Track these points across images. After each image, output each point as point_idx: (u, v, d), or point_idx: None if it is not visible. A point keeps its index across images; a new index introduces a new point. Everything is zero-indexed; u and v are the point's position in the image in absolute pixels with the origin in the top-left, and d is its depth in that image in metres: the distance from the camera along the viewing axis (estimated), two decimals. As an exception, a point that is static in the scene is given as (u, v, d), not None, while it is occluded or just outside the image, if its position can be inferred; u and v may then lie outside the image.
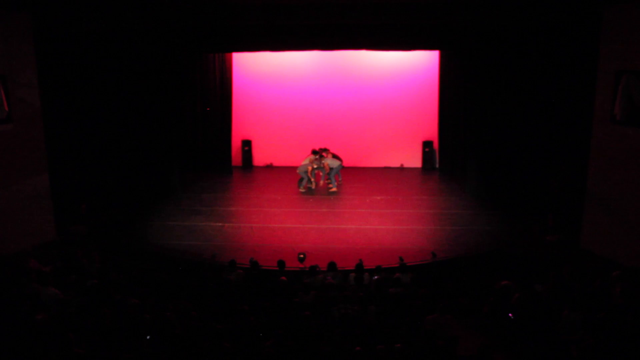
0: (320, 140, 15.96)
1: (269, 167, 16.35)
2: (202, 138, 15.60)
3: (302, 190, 13.89)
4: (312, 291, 7.70)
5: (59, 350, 5.56)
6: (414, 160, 15.96)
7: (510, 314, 6.88)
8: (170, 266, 9.48)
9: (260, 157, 16.34)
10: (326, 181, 14.05)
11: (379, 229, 11.61)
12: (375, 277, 8.47)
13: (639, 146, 9.20)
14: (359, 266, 8.66)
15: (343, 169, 14.47)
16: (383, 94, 15.76)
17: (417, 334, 6.35)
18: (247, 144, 16.23)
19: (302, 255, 9.37)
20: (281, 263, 8.87)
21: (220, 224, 11.84)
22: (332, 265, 8.74)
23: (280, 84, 15.85)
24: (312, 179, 14.05)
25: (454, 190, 13.95)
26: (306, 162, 13.99)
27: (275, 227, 11.75)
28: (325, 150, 14.44)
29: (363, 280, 8.21)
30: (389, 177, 15.23)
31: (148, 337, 6.06)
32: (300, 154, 15.14)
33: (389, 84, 15.66)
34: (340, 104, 15.97)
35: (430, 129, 15.73)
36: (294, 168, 15.39)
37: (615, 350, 5.67)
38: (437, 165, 15.88)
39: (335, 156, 14.43)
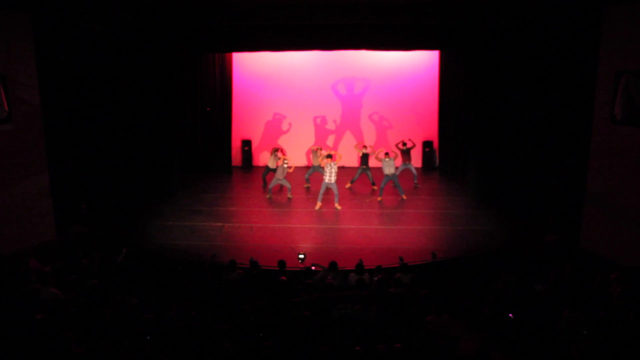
0: (320, 140, 16.01)
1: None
2: (202, 138, 15.59)
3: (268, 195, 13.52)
4: (314, 293, 7.69)
5: (58, 350, 5.56)
6: (414, 160, 15.89)
7: (510, 314, 6.88)
8: (170, 266, 9.49)
9: (260, 157, 16.33)
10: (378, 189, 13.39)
11: (379, 229, 11.62)
12: (375, 277, 8.46)
13: (639, 146, 9.21)
14: (359, 266, 8.66)
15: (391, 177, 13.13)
16: (383, 94, 15.77)
17: (417, 334, 6.35)
18: (247, 144, 16.23)
19: (302, 256, 9.37)
20: (281, 263, 8.87)
21: (220, 224, 11.84)
22: (333, 265, 8.72)
23: (280, 84, 15.84)
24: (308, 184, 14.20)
25: (454, 190, 13.95)
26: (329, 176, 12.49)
27: (275, 227, 11.75)
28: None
29: (365, 282, 8.20)
30: (389, 177, 15.21)
31: (148, 337, 6.07)
32: (300, 154, 15.18)
33: (389, 84, 15.67)
34: (340, 103, 15.98)
35: (430, 129, 15.73)
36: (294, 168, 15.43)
37: (615, 350, 5.68)
38: (437, 165, 15.89)
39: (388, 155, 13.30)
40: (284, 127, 16.14)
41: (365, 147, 13.92)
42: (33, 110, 10.41)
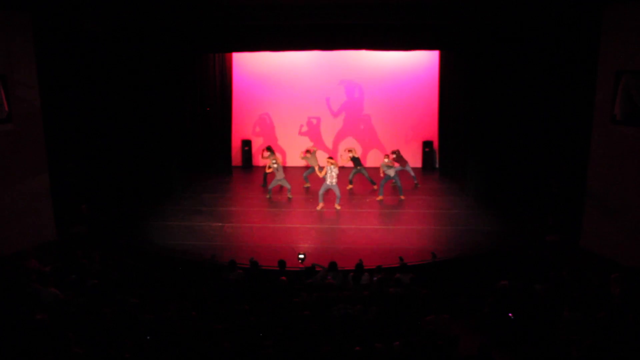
0: (319, 140, 16.01)
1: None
2: (202, 138, 15.59)
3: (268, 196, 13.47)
4: (314, 293, 7.69)
5: (59, 350, 5.56)
6: (414, 160, 15.94)
7: (510, 314, 6.88)
8: (170, 266, 9.49)
9: (260, 157, 16.33)
10: (376, 188, 13.54)
11: (379, 229, 11.62)
12: (375, 278, 8.46)
13: (639, 146, 9.21)
14: (359, 266, 8.66)
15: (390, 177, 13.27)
16: (383, 94, 15.77)
17: (417, 334, 6.35)
18: (247, 144, 16.24)
19: (302, 256, 9.36)
20: (281, 263, 8.87)
21: (220, 224, 11.84)
22: (332, 265, 8.72)
23: (280, 84, 15.85)
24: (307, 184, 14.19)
25: (454, 190, 13.95)
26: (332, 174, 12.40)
27: (275, 227, 11.74)
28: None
29: (360, 280, 8.20)
30: (389, 177, 15.21)
31: (148, 337, 6.06)
32: (299, 154, 15.14)
33: (389, 84, 15.67)
34: (340, 104, 15.98)
35: (430, 129, 15.74)
36: (294, 168, 15.43)
37: (615, 350, 5.67)
38: (437, 165, 15.89)
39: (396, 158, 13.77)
40: (284, 127, 16.13)
41: (350, 151, 13.87)
42: (33, 110, 10.41)
